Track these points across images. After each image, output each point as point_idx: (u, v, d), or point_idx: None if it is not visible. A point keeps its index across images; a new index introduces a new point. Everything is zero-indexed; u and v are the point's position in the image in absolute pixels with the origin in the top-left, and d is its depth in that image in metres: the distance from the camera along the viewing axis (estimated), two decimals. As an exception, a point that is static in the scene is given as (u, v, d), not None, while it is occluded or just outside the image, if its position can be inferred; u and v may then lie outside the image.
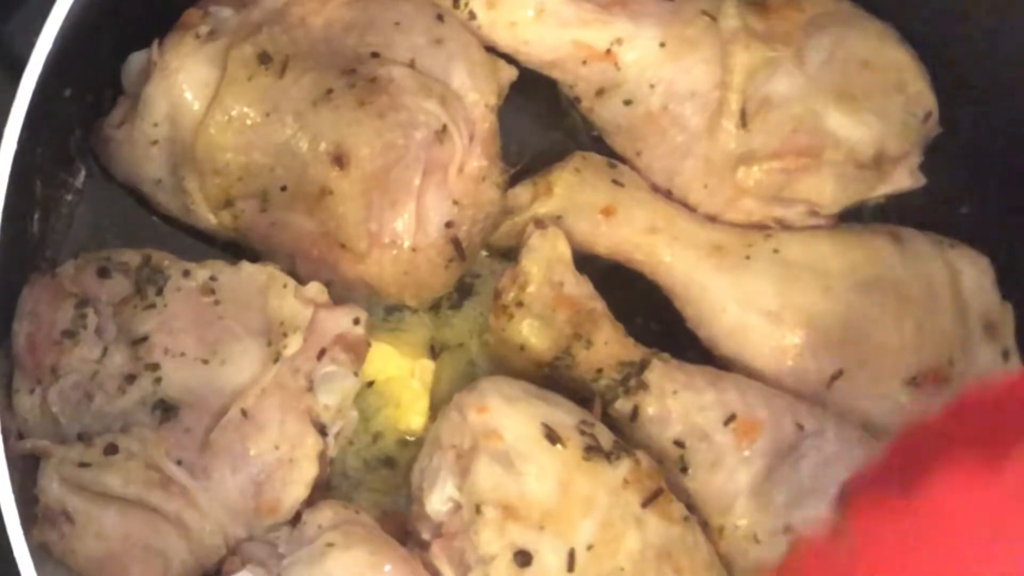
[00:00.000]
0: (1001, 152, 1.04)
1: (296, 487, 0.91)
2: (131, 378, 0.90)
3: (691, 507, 0.93)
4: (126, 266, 0.94)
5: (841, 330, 0.96)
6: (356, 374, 0.94)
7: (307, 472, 0.91)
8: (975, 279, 0.99)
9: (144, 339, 0.91)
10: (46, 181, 0.98)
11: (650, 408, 0.94)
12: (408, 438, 1.01)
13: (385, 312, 1.03)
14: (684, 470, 0.94)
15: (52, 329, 0.92)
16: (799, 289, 0.97)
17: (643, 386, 0.95)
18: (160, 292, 0.93)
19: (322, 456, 0.92)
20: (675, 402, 0.94)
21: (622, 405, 0.95)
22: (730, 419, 0.93)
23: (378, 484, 1.01)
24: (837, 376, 0.96)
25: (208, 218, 0.98)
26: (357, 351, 0.95)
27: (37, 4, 0.88)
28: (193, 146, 0.95)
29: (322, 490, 0.94)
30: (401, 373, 1.03)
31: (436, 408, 1.02)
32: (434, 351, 1.04)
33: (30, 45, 0.86)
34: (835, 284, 0.97)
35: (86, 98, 0.98)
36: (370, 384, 1.02)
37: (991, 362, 0.98)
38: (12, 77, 0.86)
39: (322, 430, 0.92)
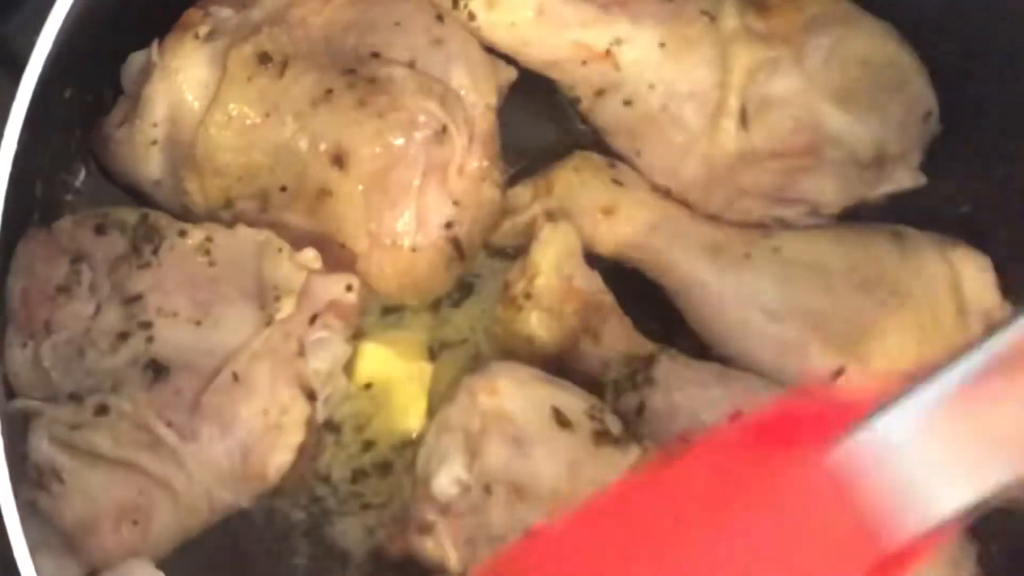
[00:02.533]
0: (1002, 151, 1.04)
1: (283, 452, 0.91)
2: (123, 336, 0.91)
3: None
4: (123, 224, 0.95)
5: (842, 328, 0.96)
6: (347, 341, 0.94)
7: (294, 438, 0.91)
8: (975, 278, 0.99)
9: (138, 298, 0.91)
10: (46, 181, 0.98)
11: (656, 403, 0.94)
12: (405, 440, 1.02)
13: (383, 312, 1.03)
14: None
15: (46, 284, 0.92)
16: (800, 287, 0.97)
17: (650, 381, 0.95)
18: (156, 251, 0.93)
19: (309, 422, 0.92)
20: (682, 397, 0.94)
21: (629, 399, 0.95)
22: (736, 415, 0.93)
23: (368, 495, 1.01)
24: (838, 375, 0.96)
25: (207, 218, 0.98)
26: (348, 318, 0.95)
27: (37, 4, 0.88)
28: (193, 146, 0.96)
29: (307, 458, 0.95)
30: (399, 375, 1.03)
31: (434, 411, 1.02)
32: (433, 353, 1.04)
33: (30, 45, 0.86)
34: (835, 282, 0.97)
35: (86, 98, 0.98)
36: (368, 387, 1.02)
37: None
38: (12, 77, 0.86)
39: (311, 395, 0.92)
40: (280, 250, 0.94)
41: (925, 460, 0.58)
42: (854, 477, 0.60)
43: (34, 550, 0.81)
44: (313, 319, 0.93)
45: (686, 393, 0.94)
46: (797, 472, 0.62)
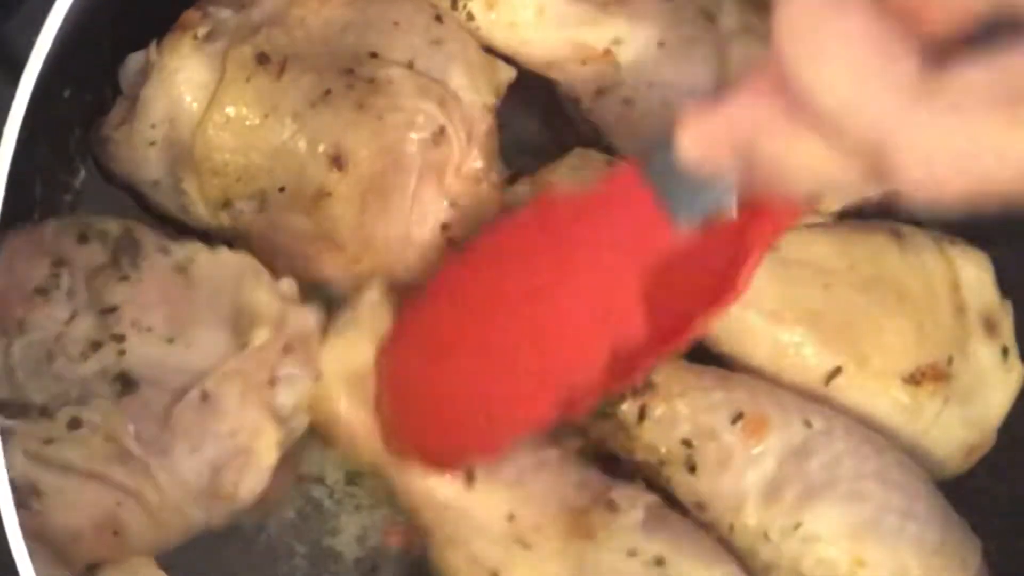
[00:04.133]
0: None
1: (254, 474, 0.91)
2: (96, 345, 0.91)
3: (701, 506, 0.93)
4: (105, 234, 0.95)
5: (840, 328, 0.95)
6: (312, 379, 0.94)
7: (265, 459, 0.91)
8: (975, 276, 0.98)
9: (113, 309, 0.91)
10: (46, 181, 0.98)
11: (657, 409, 0.94)
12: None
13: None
14: (692, 470, 0.93)
15: (25, 283, 0.92)
16: (797, 287, 0.96)
17: (650, 387, 0.94)
18: (135, 265, 0.93)
19: (281, 445, 0.92)
20: (682, 402, 0.94)
21: (629, 407, 0.94)
22: (738, 418, 0.93)
23: (362, 496, 1.01)
24: (836, 374, 0.96)
25: (206, 219, 0.98)
26: (313, 352, 0.95)
27: (37, 4, 0.87)
28: (191, 147, 0.96)
29: (285, 481, 0.95)
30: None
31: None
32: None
33: (30, 45, 0.86)
34: (834, 282, 0.96)
35: (86, 98, 0.99)
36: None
37: (990, 359, 0.98)
38: (12, 77, 0.86)
39: (279, 423, 0.92)
40: (259, 277, 0.94)
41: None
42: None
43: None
44: (286, 349, 0.93)
45: (687, 397, 0.94)
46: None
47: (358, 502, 1.01)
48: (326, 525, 1.01)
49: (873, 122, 0.56)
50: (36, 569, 0.80)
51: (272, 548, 1.00)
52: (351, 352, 0.94)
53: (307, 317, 0.94)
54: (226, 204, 0.97)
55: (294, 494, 1.00)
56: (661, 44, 1.00)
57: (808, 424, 0.93)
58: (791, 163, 0.62)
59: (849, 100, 0.57)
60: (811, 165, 0.61)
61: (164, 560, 0.90)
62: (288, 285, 0.95)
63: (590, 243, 0.82)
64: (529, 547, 0.91)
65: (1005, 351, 0.98)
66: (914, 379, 0.95)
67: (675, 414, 0.94)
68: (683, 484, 0.94)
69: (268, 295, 0.93)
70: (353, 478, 1.01)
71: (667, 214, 0.74)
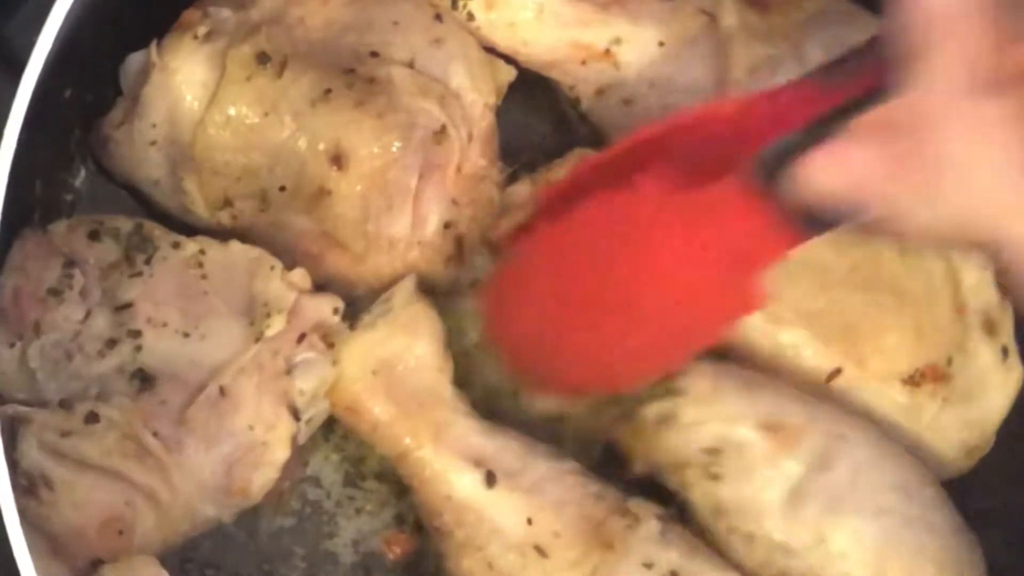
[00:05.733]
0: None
1: (267, 469, 0.91)
2: (112, 343, 0.91)
3: (718, 513, 0.92)
4: (117, 232, 0.95)
5: (839, 328, 0.95)
6: (333, 363, 0.94)
7: (279, 455, 0.92)
8: (975, 276, 0.98)
9: (128, 306, 0.92)
10: (46, 181, 0.98)
11: (683, 414, 0.92)
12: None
13: (383, 312, 1.03)
14: (715, 477, 0.92)
15: (38, 285, 0.93)
16: (797, 287, 0.96)
17: (675, 392, 0.93)
18: (148, 261, 0.94)
19: (294, 440, 0.93)
20: (708, 408, 0.92)
21: (652, 411, 0.93)
22: (764, 426, 0.92)
23: (360, 499, 1.01)
24: (835, 374, 0.96)
25: (207, 218, 0.98)
26: (333, 340, 0.95)
27: (37, 4, 0.88)
28: (192, 146, 0.96)
29: (287, 476, 0.95)
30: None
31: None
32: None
33: (30, 45, 0.86)
34: (834, 282, 0.96)
35: (86, 98, 0.99)
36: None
37: (990, 360, 0.98)
38: (12, 77, 0.86)
39: (295, 415, 0.93)
40: (272, 268, 0.94)
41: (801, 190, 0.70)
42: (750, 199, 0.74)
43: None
44: (301, 338, 0.93)
45: (712, 404, 0.92)
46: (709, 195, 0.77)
47: (356, 505, 1.01)
48: (323, 528, 1.01)
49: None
50: (33, 562, 0.80)
51: (271, 550, 1.00)
52: (382, 344, 0.94)
53: (321, 305, 0.95)
54: (227, 203, 0.97)
55: (292, 496, 1.01)
56: (661, 44, 1.00)
57: (831, 431, 0.92)
58: (912, 219, 0.66)
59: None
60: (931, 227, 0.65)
61: (162, 561, 0.90)
62: (300, 275, 0.95)
63: (684, 241, 0.80)
64: (546, 555, 0.90)
65: (1005, 351, 0.98)
66: (913, 380, 0.96)
67: (701, 420, 0.92)
68: (702, 490, 0.92)
69: (281, 285, 0.94)
70: (351, 480, 1.01)
71: (780, 222, 0.74)
